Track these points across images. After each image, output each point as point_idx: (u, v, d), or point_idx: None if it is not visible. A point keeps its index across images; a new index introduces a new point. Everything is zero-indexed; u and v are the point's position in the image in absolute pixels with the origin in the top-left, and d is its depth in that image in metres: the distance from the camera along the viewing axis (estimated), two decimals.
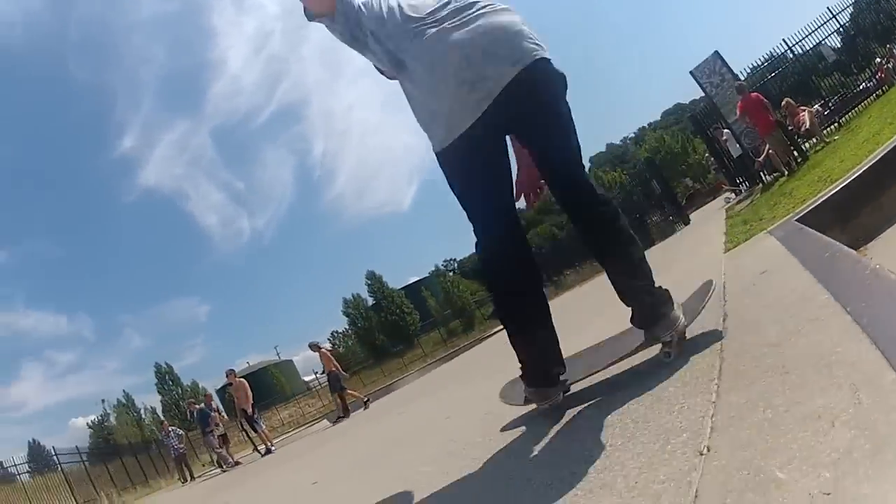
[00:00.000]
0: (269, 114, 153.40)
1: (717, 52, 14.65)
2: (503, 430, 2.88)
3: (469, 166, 2.39)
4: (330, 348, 20.36)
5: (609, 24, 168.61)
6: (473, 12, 2.29)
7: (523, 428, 2.76)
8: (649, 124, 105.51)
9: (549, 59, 2.35)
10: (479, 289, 54.19)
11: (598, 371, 2.73)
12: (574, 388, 2.77)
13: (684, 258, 7.64)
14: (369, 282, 58.92)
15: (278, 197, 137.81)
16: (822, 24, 20.21)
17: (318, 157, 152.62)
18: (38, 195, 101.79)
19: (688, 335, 2.53)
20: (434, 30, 2.27)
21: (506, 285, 2.54)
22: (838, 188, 5.04)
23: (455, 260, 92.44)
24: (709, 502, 1.24)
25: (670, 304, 2.42)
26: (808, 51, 20.28)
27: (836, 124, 16.73)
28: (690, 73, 15.07)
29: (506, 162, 2.51)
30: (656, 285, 2.43)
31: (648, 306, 2.40)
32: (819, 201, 5.09)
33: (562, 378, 2.61)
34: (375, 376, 42.66)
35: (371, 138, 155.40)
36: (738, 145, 15.66)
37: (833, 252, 2.84)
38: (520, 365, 2.57)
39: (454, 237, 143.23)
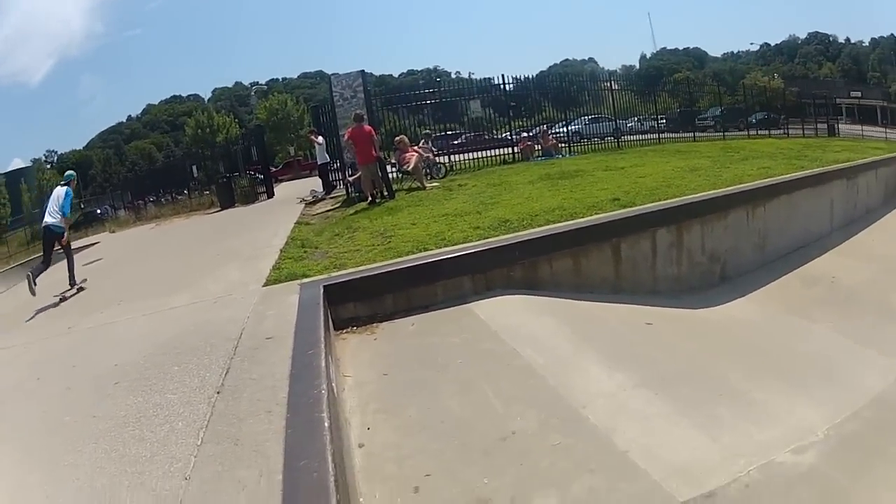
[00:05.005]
0: None
1: (362, 72, 15.87)
2: None
3: None
4: None
5: None
6: None
7: None
8: (284, 79, 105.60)
9: None
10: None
11: None
12: None
13: (232, 263, 8.31)
14: None
15: None
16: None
17: None
18: None
19: None
20: None
21: None
22: (367, 274, 6.32)
23: (56, 153, 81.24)
24: None
25: None
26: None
27: (444, 162, 18.46)
28: (330, 76, 16.04)
29: None
30: None
31: None
32: (355, 276, 6.32)
33: None
34: None
35: None
36: (325, 155, 17.90)
37: (313, 347, 4.08)
38: None
39: (70, 125, 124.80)
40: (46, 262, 9.74)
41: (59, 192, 9.72)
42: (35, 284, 9.07)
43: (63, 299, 8.91)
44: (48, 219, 9.57)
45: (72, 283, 9.50)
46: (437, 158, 18.10)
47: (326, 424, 2.95)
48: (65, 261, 9.77)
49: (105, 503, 2.80)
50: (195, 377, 4.07)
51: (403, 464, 3.41)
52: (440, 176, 16.56)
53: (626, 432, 3.72)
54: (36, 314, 8.07)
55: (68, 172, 10.62)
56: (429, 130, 20.79)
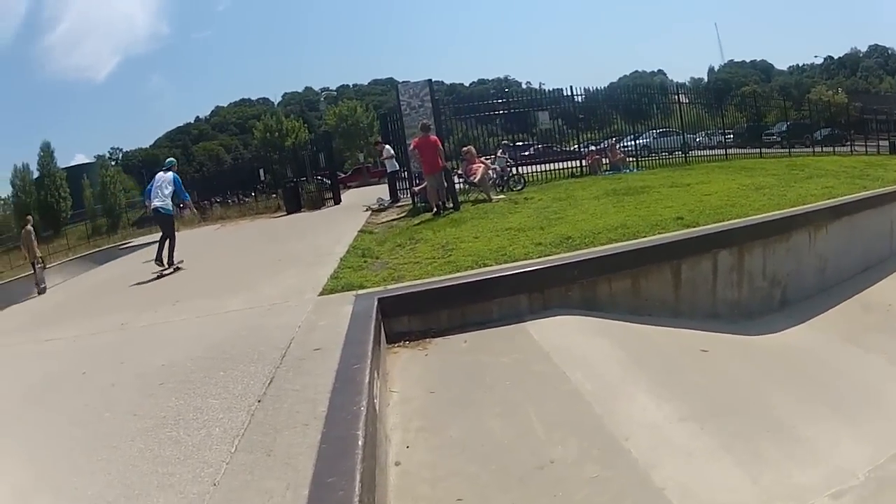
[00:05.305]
0: None
1: (430, 81, 15.91)
2: None
3: None
4: None
5: None
6: None
7: None
8: (354, 85, 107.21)
9: None
10: (134, 187, 50.81)
11: None
12: None
13: (292, 269, 8.53)
14: (42, 153, 54.44)
15: None
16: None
17: None
18: None
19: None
20: None
21: None
22: (423, 288, 6.37)
23: (120, 150, 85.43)
24: None
25: None
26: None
27: (521, 173, 18.43)
28: (398, 84, 16.26)
29: None
30: None
31: None
32: (411, 290, 6.40)
33: None
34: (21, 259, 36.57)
35: None
36: (395, 164, 18.00)
37: (359, 362, 4.06)
38: None
39: (136, 124, 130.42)
40: (165, 239, 10.74)
41: (167, 177, 10.63)
42: (160, 260, 10.41)
43: (160, 276, 10.08)
44: (156, 202, 10.50)
45: (170, 262, 10.49)
46: (512, 169, 18.13)
47: (360, 443, 2.95)
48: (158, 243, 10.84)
49: (132, 500, 2.87)
50: (239, 384, 4.14)
51: (437, 486, 3.39)
52: (518, 188, 16.52)
53: (666, 467, 3.62)
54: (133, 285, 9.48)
55: (169, 159, 11.52)
56: (506, 141, 20.81)
